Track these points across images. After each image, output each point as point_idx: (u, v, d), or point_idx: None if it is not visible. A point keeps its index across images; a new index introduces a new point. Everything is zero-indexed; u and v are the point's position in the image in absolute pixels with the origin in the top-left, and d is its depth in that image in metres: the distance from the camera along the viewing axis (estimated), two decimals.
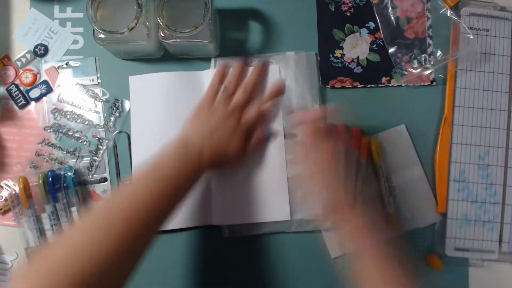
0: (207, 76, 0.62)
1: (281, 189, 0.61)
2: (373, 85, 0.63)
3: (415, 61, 0.62)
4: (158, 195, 0.48)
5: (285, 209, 0.60)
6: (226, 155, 0.57)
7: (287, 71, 0.62)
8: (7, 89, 0.62)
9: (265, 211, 0.61)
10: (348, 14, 0.64)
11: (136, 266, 0.45)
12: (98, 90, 0.63)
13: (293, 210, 0.61)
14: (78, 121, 0.62)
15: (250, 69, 0.61)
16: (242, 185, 0.61)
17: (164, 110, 0.61)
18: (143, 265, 0.58)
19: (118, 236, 0.43)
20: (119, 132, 0.62)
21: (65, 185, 0.59)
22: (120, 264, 0.43)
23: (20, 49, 0.63)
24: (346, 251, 0.55)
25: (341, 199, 0.52)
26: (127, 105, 0.62)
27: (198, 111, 0.58)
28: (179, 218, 0.60)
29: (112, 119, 0.62)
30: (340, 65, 0.63)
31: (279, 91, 0.61)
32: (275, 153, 0.61)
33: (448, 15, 0.62)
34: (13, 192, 0.60)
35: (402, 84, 0.62)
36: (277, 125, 0.61)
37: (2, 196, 0.61)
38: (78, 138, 0.62)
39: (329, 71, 0.63)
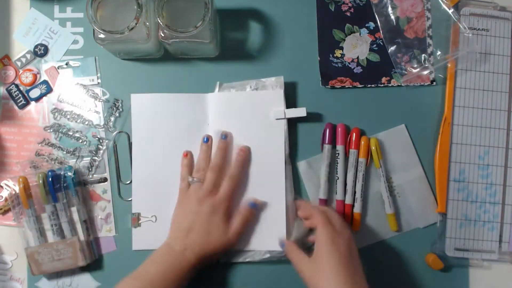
0: (211, 98, 0.61)
1: (278, 217, 0.59)
2: (373, 85, 0.63)
3: (415, 61, 0.62)
4: None
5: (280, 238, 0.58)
6: (211, 245, 0.55)
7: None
8: (7, 89, 0.62)
9: (259, 239, 0.59)
10: (348, 14, 0.64)
11: None
12: (98, 90, 0.63)
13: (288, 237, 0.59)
14: (78, 121, 0.62)
15: (214, 149, 0.60)
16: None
17: (166, 131, 0.60)
18: None
19: None
20: (119, 132, 0.62)
21: (65, 185, 0.59)
22: None
23: (20, 49, 0.63)
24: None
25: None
26: (127, 104, 0.62)
27: (176, 210, 0.59)
28: None
29: (112, 119, 0.62)
30: (340, 65, 0.63)
31: (245, 159, 0.59)
32: (275, 179, 0.59)
33: (448, 14, 0.62)
34: (13, 192, 0.60)
35: (402, 84, 0.62)
36: (279, 153, 0.59)
37: (2, 196, 0.61)
38: (78, 138, 0.62)
39: (329, 71, 0.63)
